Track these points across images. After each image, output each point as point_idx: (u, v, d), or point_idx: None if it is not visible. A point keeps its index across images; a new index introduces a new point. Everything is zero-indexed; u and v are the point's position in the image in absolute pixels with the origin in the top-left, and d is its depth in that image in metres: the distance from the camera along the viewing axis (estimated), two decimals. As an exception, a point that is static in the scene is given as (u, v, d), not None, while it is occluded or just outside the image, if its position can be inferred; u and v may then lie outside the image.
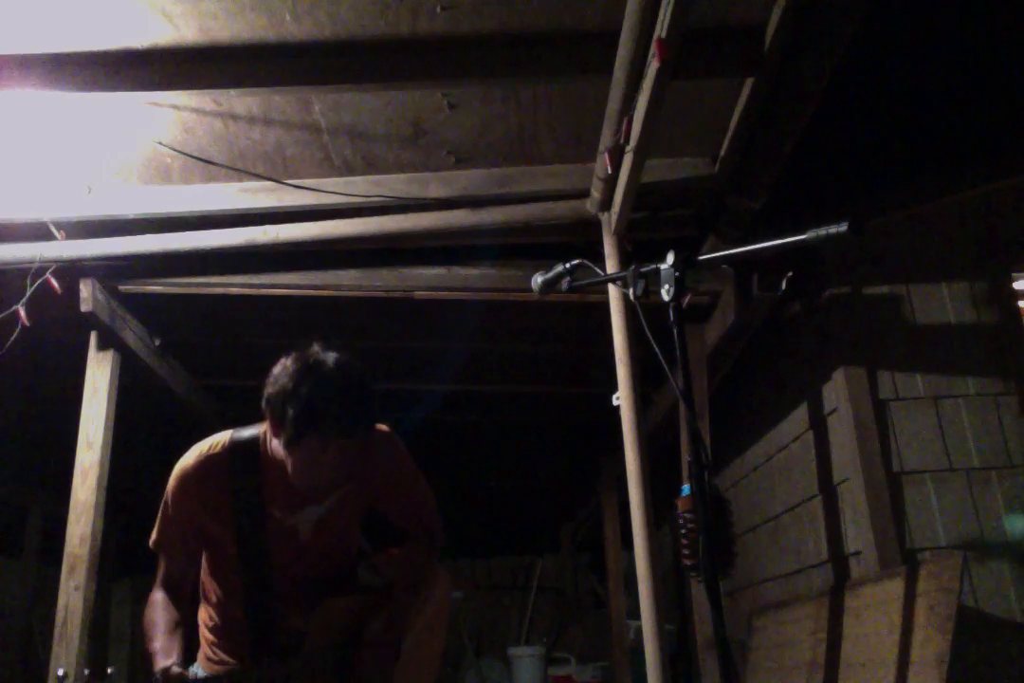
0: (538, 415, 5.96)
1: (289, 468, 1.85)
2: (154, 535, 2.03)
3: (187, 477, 1.94)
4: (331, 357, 1.85)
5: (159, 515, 2.03)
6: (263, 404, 1.88)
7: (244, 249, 3.48)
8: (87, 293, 3.57)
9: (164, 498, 2.00)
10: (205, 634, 2.08)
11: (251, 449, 1.94)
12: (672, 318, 1.63)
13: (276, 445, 1.88)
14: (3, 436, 5.28)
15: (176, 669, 1.78)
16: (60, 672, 1.55)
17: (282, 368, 1.86)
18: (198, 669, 2.05)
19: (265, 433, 1.95)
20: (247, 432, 1.99)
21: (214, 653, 2.05)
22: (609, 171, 2.92)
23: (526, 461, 7.13)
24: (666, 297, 1.65)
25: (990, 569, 3.00)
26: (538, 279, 2.03)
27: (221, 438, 1.99)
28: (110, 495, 3.70)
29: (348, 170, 3.29)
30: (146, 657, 1.90)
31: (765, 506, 4.44)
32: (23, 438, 5.51)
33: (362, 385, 1.83)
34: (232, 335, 4.59)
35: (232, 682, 1.91)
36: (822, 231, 1.49)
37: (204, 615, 2.12)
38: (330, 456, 1.80)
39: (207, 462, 1.95)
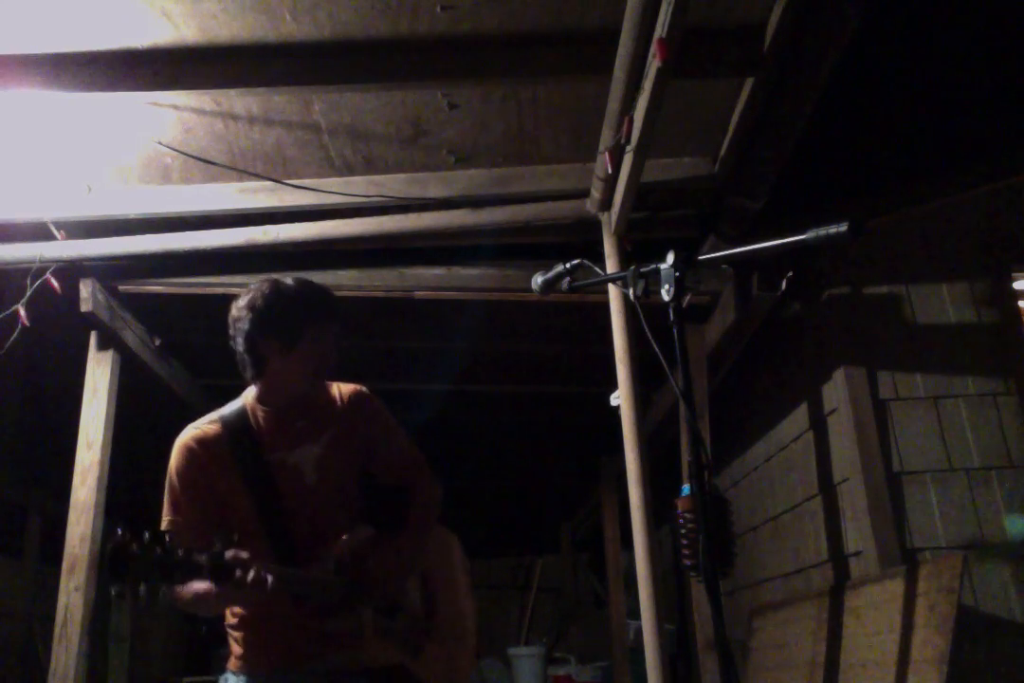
0: (538, 415, 5.96)
1: (292, 375, 2.00)
2: (167, 517, 2.01)
3: (188, 446, 2.01)
4: (276, 278, 2.07)
5: (166, 498, 2.03)
6: (244, 336, 1.98)
7: (244, 249, 3.48)
8: (87, 293, 3.57)
9: (168, 478, 2.02)
10: (241, 624, 2.04)
11: (238, 411, 2.06)
12: (672, 318, 1.63)
13: (257, 397, 2.05)
14: (3, 436, 5.28)
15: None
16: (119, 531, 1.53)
17: (249, 298, 2.00)
18: (230, 676, 2.02)
19: (245, 396, 2.09)
20: (229, 404, 2.12)
21: (255, 636, 2.02)
22: (609, 171, 2.92)
23: (526, 461, 7.13)
24: (666, 297, 1.65)
25: (990, 569, 3.00)
26: (538, 279, 2.03)
27: (208, 416, 2.11)
28: (110, 495, 3.70)
29: (348, 170, 3.29)
30: (198, 605, 1.87)
31: (765, 506, 4.44)
32: (23, 438, 5.51)
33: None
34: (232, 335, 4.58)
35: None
36: (822, 231, 1.49)
37: (244, 610, 2.08)
38: (328, 345, 2.01)
39: (201, 431, 2.04)
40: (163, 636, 9.31)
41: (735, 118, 2.93)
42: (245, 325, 1.98)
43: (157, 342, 4.28)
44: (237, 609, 2.02)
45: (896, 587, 2.86)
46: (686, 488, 1.79)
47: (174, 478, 2.01)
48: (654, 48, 2.30)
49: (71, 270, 3.51)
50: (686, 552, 1.76)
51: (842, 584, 3.34)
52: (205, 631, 9.02)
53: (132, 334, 3.98)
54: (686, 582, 5.87)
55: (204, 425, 2.06)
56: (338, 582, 1.90)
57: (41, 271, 3.39)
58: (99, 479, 3.61)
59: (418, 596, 2.10)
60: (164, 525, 1.99)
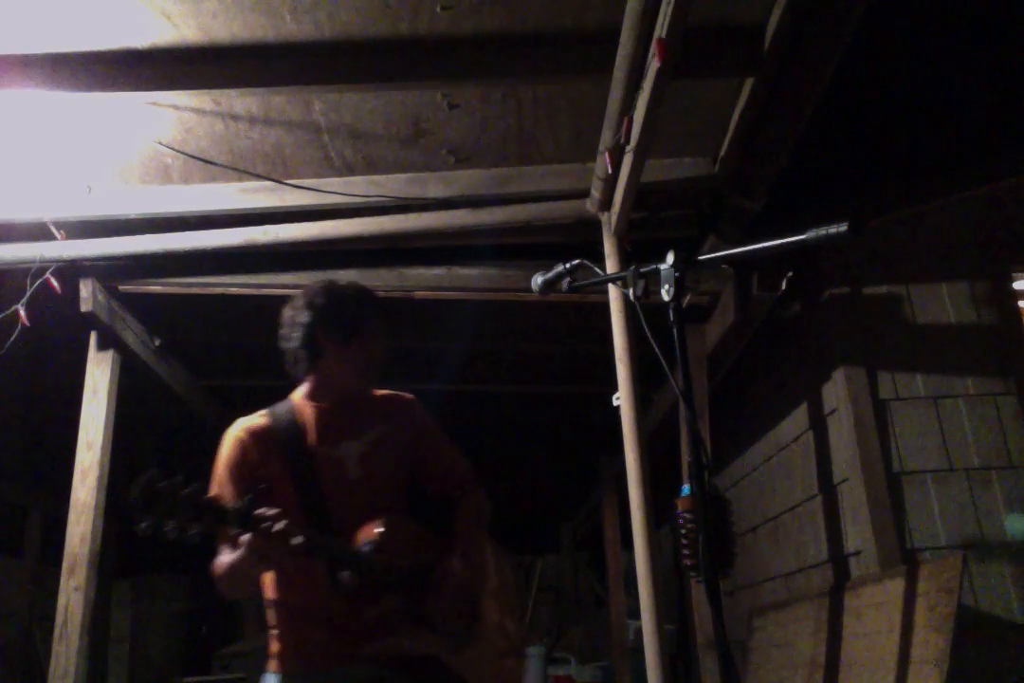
0: (538, 415, 5.96)
1: (345, 371, 2.08)
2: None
3: (237, 436, 2.05)
4: (331, 279, 2.18)
5: (211, 483, 2.05)
6: (302, 330, 2.06)
7: (244, 249, 3.48)
8: (87, 293, 3.57)
9: (215, 467, 2.05)
10: (280, 621, 2.04)
11: (287, 407, 2.12)
12: (672, 318, 1.63)
13: (307, 394, 2.12)
14: (3, 436, 5.28)
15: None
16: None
17: (306, 297, 2.09)
18: (269, 677, 2.01)
19: (294, 394, 2.15)
20: (277, 403, 2.16)
21: (294, 633, 2.01)
22: (609, 171, 2.92)
23: (526, 461, 7.13)
24: (666, 297, 1.65)
25: (990, 569, 3.00)
26: (538, 279, 2.03)
27: (256, 412, 2.15)
28: (110, 495, 3.70)
29: (348, 170, 3.29)
30: (232, 570, 1.85)
31: (765, 506, 4.44)
32: (23, 438, 5.51)
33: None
34: (232, 335, 4.59)
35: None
36: (822, 231, 1.49)
37: (278, 600, 2.07)
38: (380, 344, 2.13)
39: (251, 423, 2.09)
40: (163, 636, 9.32)
41: (735, 118, 2.93)
42: (304, 319, 2.06)
43: (157, 342, 4.28)
44: (278, 602, 2.02)
45: (896, 587, 2.86)
46: (686, 488, 1.78)
47: (220, 467, 2.04)
48: (654, 48, 2.30)
49: (71, 270, 3.51)
50: (686, 552, 1.75)
51: (842, 584, 3.34)
52: (205, 631, 9.03)
53: (132, 334, 3.98)
54: (686, 582, 5.87)
55: (254, 418, 2.11)
56: (374, 558, 1.90)
57: (41, 271, 3.39)
58: (99, 479, 3.61)
59: (462, 600, 2.09)
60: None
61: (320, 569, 1.92)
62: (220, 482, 2.03)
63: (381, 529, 1.94)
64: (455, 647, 2.01)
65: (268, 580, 2.05)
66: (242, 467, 2.02)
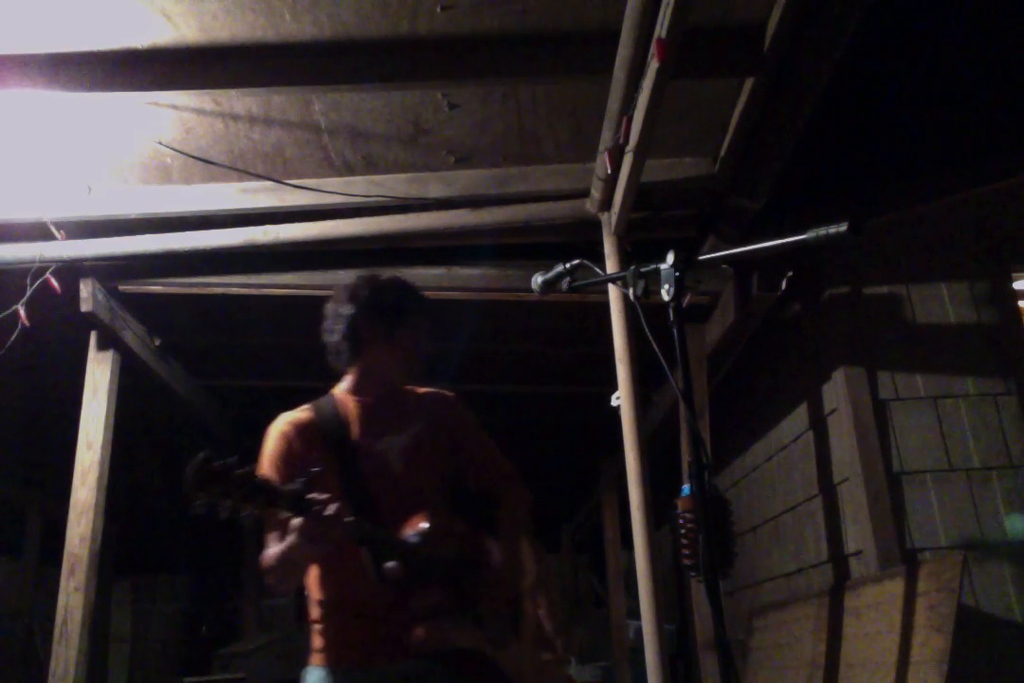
0: (538, 415, 5.96)
1: (387, 363, 2.09)
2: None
3: (282, 430, 2.06)
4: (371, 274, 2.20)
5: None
6: (346, 322, 2.07)
7: (244, 249, 3.48)
8: (87, 293, 3.58)
9: (259, 464, 2.04)
10: (324, 615, 2.03)
11: (329, 401, 2.12)
12: (672, 318, 1.63)
13: (349, 388, 2.12)
14: (3, 436, 5.28)
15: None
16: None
17: (349, 290, 2.11)
18: (311, 670, 2.00)
19: (336, 389, 2.16)
20: (319, 398, 2.17)
21: (339, 627, 2.00)
22: (609, 171, 2.92)
23: (526, 461, 7.11)
24: (666, 297, 1.64)
25: (990, 569, 3.00)
26: (538, 279, 2.02)
27: (299, 407, 2.16)
28: (110, 495, 3.70)
29: (348, 170, 3.29)
30: (282, 559, 1.85)
31: (765, 506, 4.44)
32: (23, 438, 5.51)
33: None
34: (232, 335, 4.59)
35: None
36: (822, 231, 1.49)
37: (323, 595, 2.07)
38: (422, 337, 2.12)
39: (294, 417, 2.10)
40: (163, 636, 9.33)
41: (735, 118, 2.93)
42: (348, 311, 2.07)
43: (157, 342, 4.28)
44: (322, 597, 2.01)
45: (896, 587, 2.86)
46: (686, 488, 1.79)
47: (265, 460, 2.04)
48: (654, 48, 2.30)
49: (71, 270, 3.51)
50: (686, 552, 1.75)
51: (842, 584, 3.34)
52: (205, 631, 9.03)
53: (132, 334, 3.98)
54: (686, 582, 5.87)
55: (297, 412, 2.12)
56: (421, 549, 1.90)
57: (41, 271, 3.39)
58: (99, 479, 3.61)
59: (504, 597, 2.09)
60: None
61: (365, 560, 1.92)
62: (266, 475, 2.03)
63: (426, 523, 1.94)
64: (499, 643, 2.00)
65: (312, 573, 2.04)
66: (287, 460, 2.01)
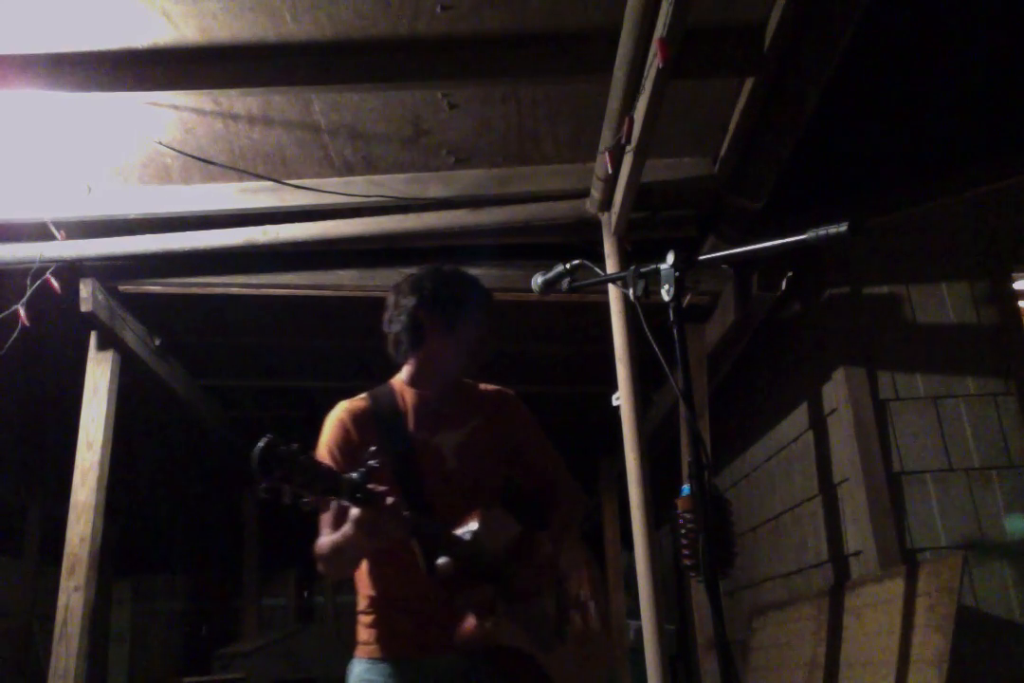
0: (538, 415, 5.94)
1: (447, 356, 2.08)
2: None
3: (339, 418, 2.06)
4: (435, 266, 2.18)
5: None
6: (408, 313, 2.06)
7: (244, 249, 3.48)
8: (87, 293, 3.58)
9: (317, 451, 2.04)
10: (372, 607, 2.02)
11: (387, 391, 2.12)
12: (672, 318, 1.63)
13: (407, 379, 2.11)
14: (3, 436, 5.28)
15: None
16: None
17: (411, 282, 2.10)
18: (356, 663, 2.00)
19: (394, 379, 2.15)
20: (377, 387, 2.16)
21: (385, 620, 1.99)
22: (609, 171, 2.92)
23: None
24: (666, 297, 1.64)
25: (990, 569, 3.00)
26: (538, 279, 2.02)
27: (357, 395, 2.15)
28: (110, 495, 3.70)
29: (348, 170, 3.29)
30: (337, 548, 1.84)
31: (765, 506, 4.44)
32: (23, 438, 5.52)
33: None
34: (232, 335, 4.59)
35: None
36: (822, 231, 1.49)
37: (370, 588, 2.05)
38: (484, 331, 2.11)
39: (352, 405, 2.09)
40: (163, 636, 9.33)
41: (735, 118, 2.93)
42: (411, 302, 2.06)
43: (157, 342, 4.28)
44: (370, 591, 2.01)
45: (896, 587, 2.86)
46: (686, 488, 1.78)
47: (323, 448, 2.04)
48: (654, 48, 2.30)
49: (71, 270, 3.51)
50: (686, 552, 1.75)
51: (842, 584, 3.34)
52: (205, 631, 9.04)
53: (132, 334, 3.98)
54: (686, 582, 5.87)
55: (355, 400, 2.11)
56: (473, 546, 1.89)
57: (41, 271, 3.39)
58: (99, 479, 3.61)
59: (553, 601, 2.08)
60: None
61: (417, 555, 1.91)
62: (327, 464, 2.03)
63: (479, 520, 1.93)
64: (545, 646, 1.99)
65: (362, 566, 2.03)
66: (344, 448, 2.00)
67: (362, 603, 2.03)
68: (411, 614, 1.96)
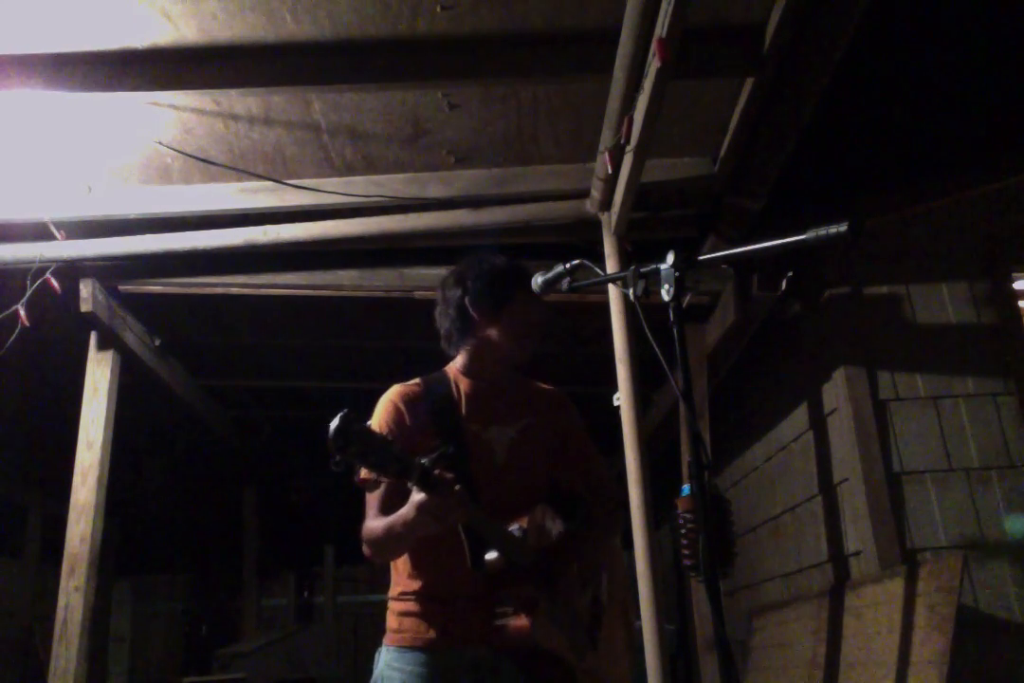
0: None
1: (499, 342, 2.08)
2: (362, 472, 1.97)
3: (392, 401, 2.06)
4: (476, 256, 2.19)
5: None
6: (455, 303, 2.07)
7: (244, 249, 3.48)
8: (87, 293, 3.58)
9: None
10: (407, 594, 2.00)
11: (441, 377, 2.12)
12: (672, 318, 1.63)
13: (462, 368, 2.12)
14: (3, 436, 5.28)
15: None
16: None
17: (456, 273, 2.12)
18: (384, 651, 1.99)
19: (449, 367, 2.15)
20: (431, 373, 2.16)
21: (420, 610, 1.97)
22: (609, 171, 2.92)
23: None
24: (666, 297, 1.64)
25: (990, 569, 3.00)
26: (538, 279, 2.02)
27: (411, 380, 2.15)
28: (110, 495, 3.70)
29: (348, 170, 3.29)
30: (392, 532, 1.81)
31: (765, 506, 4.44)
32: (23, 438, 5.52)
33: None
34: (232, 335, 4.59)
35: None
36: (822, 231, 1.48)
37: (410, 576, 2.02)
38: (534, 316, 2.10)
39: (406, 388, 2.09)
40: (163, 636, 9.33)
41: (735, 118, 2.93)
42: (456, 294, 2.08)
43: (157, 342, 4.29)
44: (406, 578, 1.98)
45: (896, 587, 2.86)
46: (686, 488, 1.78)
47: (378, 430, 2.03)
48: (654, 48, 2.30)
49: (71, 270, 3.51)
50: (686, 552, 1.75)
51: (842, 584, 3.34)
52: (205, 631, 9.03)
53: (132, 334, 3.98)
54: (686, 582, 5.87)
55: (408, 385, 2.11)
56: (522, 543, 1.88)
57: (41, 271, 3.39)
58: (99, 479, 3.62)
59: (587, 605, 2.07)
60: (360, 479, 1.98)
61: (463, 547, 1.90)
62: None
63: (531, 518, 1.93)
64: (579, 652, 1.97)
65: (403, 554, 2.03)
66: (397, 432, 1.99)
67: (395, 590, 2.00)
68: (447, 605, 1.94)
